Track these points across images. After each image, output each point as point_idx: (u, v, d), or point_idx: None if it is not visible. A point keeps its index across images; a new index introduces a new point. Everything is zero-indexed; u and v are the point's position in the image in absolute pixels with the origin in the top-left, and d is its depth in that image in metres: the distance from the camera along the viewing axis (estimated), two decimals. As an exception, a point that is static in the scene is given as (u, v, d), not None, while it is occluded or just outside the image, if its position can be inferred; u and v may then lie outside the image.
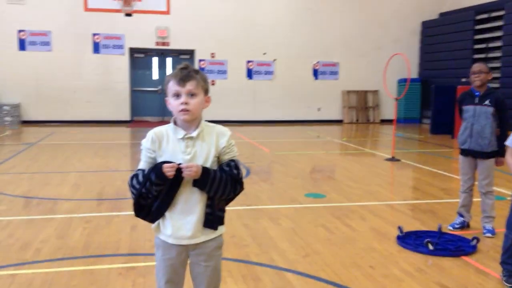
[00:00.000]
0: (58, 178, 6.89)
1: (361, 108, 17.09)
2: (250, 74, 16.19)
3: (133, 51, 15.54)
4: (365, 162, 8.90)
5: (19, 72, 14.62)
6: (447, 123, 12.39)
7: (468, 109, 4.44)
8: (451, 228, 4.60)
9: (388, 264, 3.73)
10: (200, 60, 15.79)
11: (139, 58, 15.88)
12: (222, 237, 2.21)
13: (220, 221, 2.17)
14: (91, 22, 14.91)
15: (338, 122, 16.93)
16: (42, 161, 8.38)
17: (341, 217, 5.01)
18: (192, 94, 2.06)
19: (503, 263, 3.41)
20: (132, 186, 2.09)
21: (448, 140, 11.83)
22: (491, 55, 13.95)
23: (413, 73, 17.11)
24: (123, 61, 15.29)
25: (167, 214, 2.10)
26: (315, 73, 16.68)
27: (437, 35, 16.19)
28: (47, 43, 14.79)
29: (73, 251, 3.92)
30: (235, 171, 2.13)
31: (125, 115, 15.44)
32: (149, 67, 16.12)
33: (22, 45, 14.68)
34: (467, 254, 3.91)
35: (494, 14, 13.85)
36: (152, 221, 2.14)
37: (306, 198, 5.86)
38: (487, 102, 4.34)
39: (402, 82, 16.59)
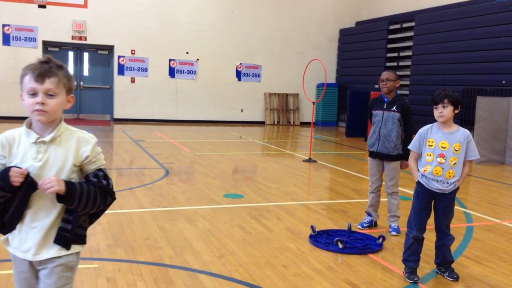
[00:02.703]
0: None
1: (282, 110, 17.45)
2: (172, 72, 15.96)
3: (46, 44, 14.74)
4: (284, 163, 9.09)
5: None
6: (361, 126, 12.99)
7: (377, 113, 4.69)
8: (360, 227, 4.82)
9: (300, 263, 3.83)
10: (120, 57, 15.32)
11: (53, 52, 15.07)
12: (76, 258, 1.95)
13: (79, 240, 1.92)
14: (1, 12, 13.94)
15: (260, 123, 17.16)
16: None
17: (257, 217, 5.08)
18: (51, 94, 1.81)
19: (404, 260, 3.63)
20: None
21: (361, 143, 12.40)
22: (402, 63, 14.83)
23: (331, 78, 17.76)
24: (35, 55, 14.43)
25: (14, 224, 1.87)
26: (238, 74, 16.80)
27: (354, 43, 16.94)
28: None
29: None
30: (104, 182, 1.90)
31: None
32: (64, 61, 15.27)
33: None
34: (374, 252, 4.11)
35: (405, 24, 14.74)
36: (5, 233, 1.91)
37: (225, 198, 5.87)
38: (394, 108, 4.60)
39: (320, 86, 17.18)
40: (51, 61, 1.86)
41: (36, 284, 1.95)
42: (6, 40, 14.12)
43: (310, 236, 4.38)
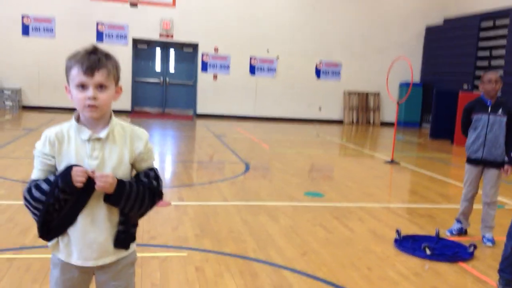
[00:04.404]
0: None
1: (362, 109, 17.10)
2: (253, 70, 16.17)
3: (136, 41, 15.50)
4: (364, 163, 8.91)
5: (21, 57, 14.58)
6: (447, 128, 12.41)
7: (480, 117, 4.36)
8: (448, 233, 4.61)
9: (385, 266, 3.74)
10: (203, 54, 15.76)
11: (142, 49, 15.84)
12: (135, 253, 1.90)
13: (133, 238, 1.85)
14: (95, 10, 14.87)
15: (338, 122, 16.94)
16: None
17: (339, 217, 5.02)
18: (102, 86, 1.67)
19: (500, 271, 3.43)
20: (33, 200, 1.66)
21: (447, 146, 11.85)
22: (493, 63, 13.96)
23: (415, 77, 17.12)
24: (126, 51, 15.25)
25: (68, 230, 1.74)
26: (318, 72, 16.68)
27: (441, 40, 16.20)
28: (50, 30, 14.74)
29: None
30: (154, 183, 1.78)
31: (126, 105, 15.42)
32: (152, 58, 16.09)
33: (25, 30, 14.63)
34: (464, 260, 3.93)
35: (498, 22, 13.85)
36: (50, 239, 1.77)
37: (305, 196, 5.87)
38: (500, 111, 4.31)
39: (403, 85, 16.61)
40: (98, 51, 1.70)
41: None
42: (100, 37, 15.02)
43: (395, 240, 4.27)
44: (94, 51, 1.69)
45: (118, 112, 14.96)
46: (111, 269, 1.82)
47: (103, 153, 1.71)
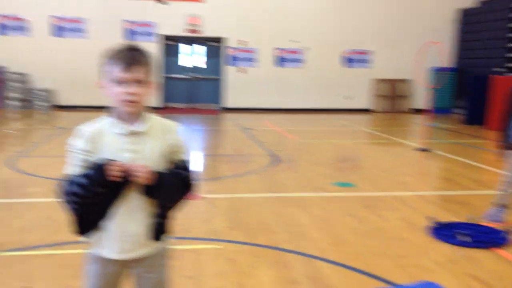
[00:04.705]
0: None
1: (392, 97, 16.82)
2: (280, 62, 16.12)
3: (164, 38, 15.64)
4: (394, 151, 8.79)
5: (51, 57, 14.93)
6: (482, 113, 12.10)
7: None
8: (485, 219, 4.51)
9: (419, 254, 3.70)
10: (230, 48, 15.79)
11: (170, 45, 15.99)
12: (170, 245, 1.94)
13: (169, 230, 1.88)
14: (122, 8, 15.07)
15: (367, 111, 16.73)
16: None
17: (370, 206, 4.98)
18: (140, 82, 1.71)
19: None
20: (72, 194, 1.69)
21: (482, 131, 11.56)
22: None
23: (446, 62, 16.72)
24: (154, 48, 15.42)
25: (105, 223, 1.77)
26: (345, 61, 16.49)
27: (474, 24, 15.74)
28: (80, 30, 15.04)
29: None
30: (187, 174, 1.81)
31: (157, 101, 15.62)
32: (179, 54, 16.23)
33: (55, 31, 14.96)
34: (500, 246, 3.84)
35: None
36: (86, 233, 1.81)
37: (334, 186, 5.83)
38: None
39: (435, 71, 16.24)
40: (136, 48, 1.75)
41: (117, 285, 1.90)
42: (128, 35, 15.23)
43: (429, 228, 4.21)
44: (132, 48, 1.74)
45: (150, 109, 15.16)
46: (147, 262, 1.85)
47: (139, 146, 1.75)
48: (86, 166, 1.71)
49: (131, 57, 1.70)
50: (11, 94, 14.46)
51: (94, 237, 1.82)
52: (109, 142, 1.74)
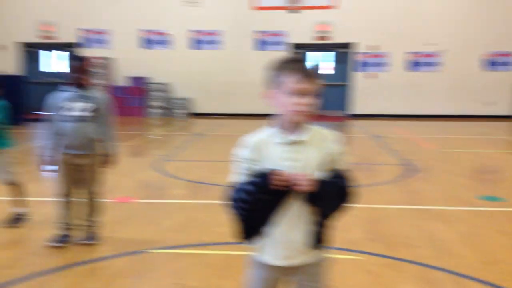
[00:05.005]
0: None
1: (540, 102, 15.18)
2: (413, 65, 15.47)
3: (293, 46, 15.90)
4: (548, 163, 7.90)
5: (189, 68, 16.03)
6: None
7: None
8: None
9: None
10: (360, 53, 15.53)
11: (299, 53, 16.23)
12: (328, 255, 1.95)
13: (328, 239, 1.89)
14: (253, 20, 15.66)
15: (510, 118, 15.28)
16: (214, 149, 9.08)
17: (524, 224, 4.52)
18: (313, 93, 1.75)
19: None
20: (239, 200, 1.76)
21: None
22: None
23: None
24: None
25: (267, 230, 1.82)
26: (486, 63, 15.26)
27: None
28: (214, 42, 15.96)
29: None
30: (349, 183, 1.82)
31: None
32: (308, 61, 16.38)
33: (193, 44, 16.05)
34: None
35: None
36: (252, 239, 1.86)
37: (479, 200, 5.40)
38: None
39: None
40: (303, 60, 1.79)
41: None
42: (259, 45, 15.77)
43: None
44: (300, 59, 1.77)
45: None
46: (307, 270, 1.88)
47: (299, 155, 1.78)
48: (250, 174, 1.77)
49: (308, 69, 1.74)
50: (154, 103, 15.81)
51: (258, 243, 1.87)
52: (272, 151, 1.79)
